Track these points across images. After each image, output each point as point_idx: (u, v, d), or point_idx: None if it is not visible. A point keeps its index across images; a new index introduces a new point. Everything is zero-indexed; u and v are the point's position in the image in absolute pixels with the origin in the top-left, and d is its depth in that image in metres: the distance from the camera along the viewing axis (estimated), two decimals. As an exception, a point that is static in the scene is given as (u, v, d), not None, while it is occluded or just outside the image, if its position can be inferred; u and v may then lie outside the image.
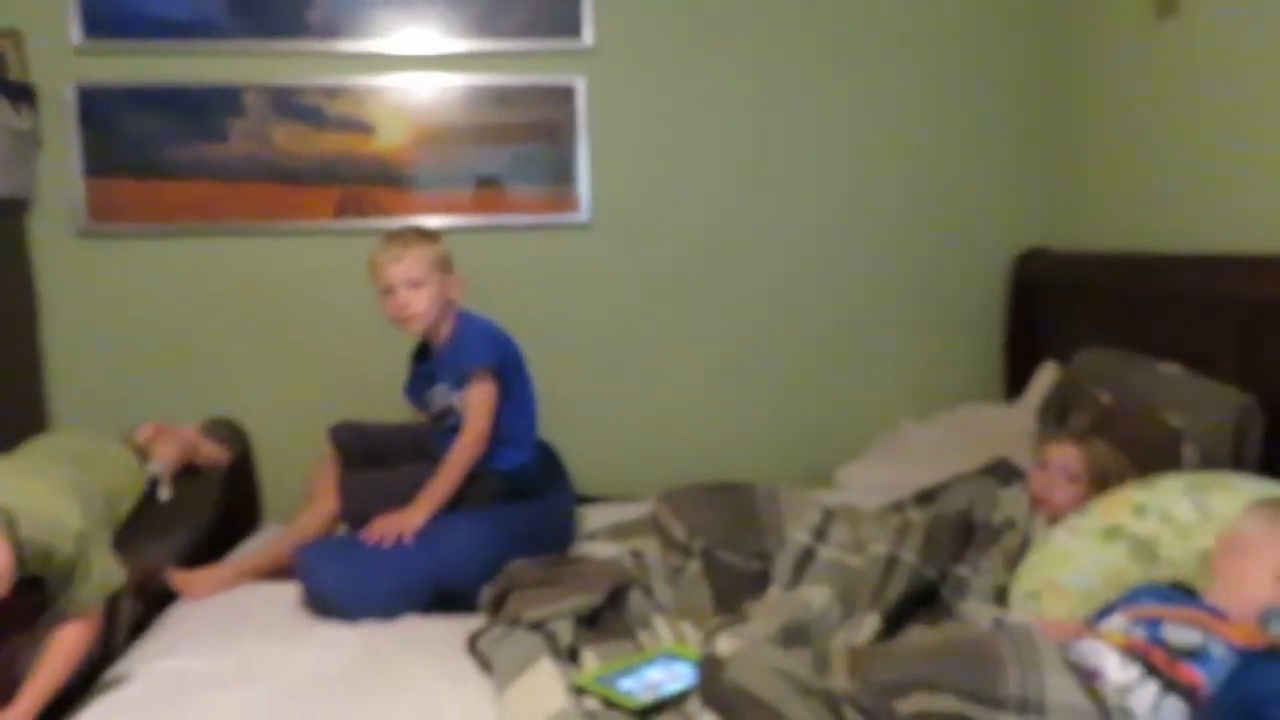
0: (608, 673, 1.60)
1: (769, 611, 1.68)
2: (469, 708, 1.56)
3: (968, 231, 2.98)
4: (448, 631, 1.86)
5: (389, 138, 2.79)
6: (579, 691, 1.55)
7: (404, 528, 2.05)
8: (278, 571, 2.13)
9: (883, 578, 1.87)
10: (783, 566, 1.94)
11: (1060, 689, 1.30)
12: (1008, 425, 2.63)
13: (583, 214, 2.87)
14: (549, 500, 2.28)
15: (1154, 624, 1.40)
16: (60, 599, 1.57)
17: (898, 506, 2.23)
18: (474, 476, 2.16)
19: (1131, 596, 1.52)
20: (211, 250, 2.77)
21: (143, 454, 2.05)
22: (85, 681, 1.66)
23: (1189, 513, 1.67)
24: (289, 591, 2.03)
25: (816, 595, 1.78)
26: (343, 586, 1.94)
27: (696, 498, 2.17)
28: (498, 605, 1.90)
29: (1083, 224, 2.86)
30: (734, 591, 1.92)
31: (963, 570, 1.94)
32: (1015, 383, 2.92)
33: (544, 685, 1.54)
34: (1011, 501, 2.08)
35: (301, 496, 2.35)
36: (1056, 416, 2.39)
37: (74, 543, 1.56)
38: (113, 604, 1.73)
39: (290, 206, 2.78)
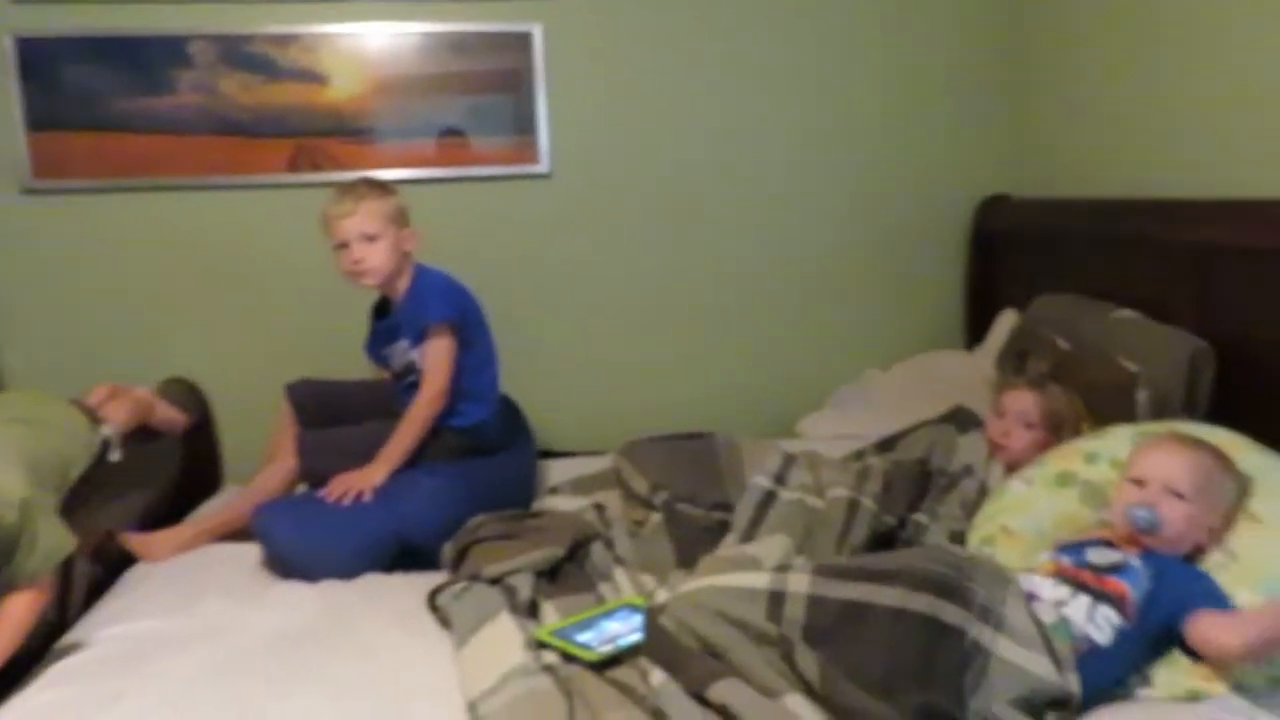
0: (566, 626, 1.60)
1: (717, 566, 1.69)
2: (429, 663, 1.56)
3: (929, 181, 2.97)
4: (409, 588, 1.86)
5: (344, 88, 2.72)
6: (538, 645, 1.55)
7: (364, 485, 2.04)
8: (238, 532, 2.12)
9: (845, 522, 1.89)
10: (742, 512, 1.94)
11: (1017, 613, 1.39)
12: (968, 373, 2.65)
13: (543, 165, 2.82)
14: (510, 455, 2.28)
15: (1078, 551, 1.53)
16: (6, 569, 1.54)
17: (859, 455, 2.25)
18: (434, 433, 2.15)
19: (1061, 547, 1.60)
20: (163, 206, 2.70)
21: (95, 417, 2.02)
22: (42, 647, 1.65)
23: (1137, 457, 1.70)
24: (249, 552, 2.02)
25: (774, 547, 1.79)
26: (302, 545, 1.93)
27: (657, 450, 2.17)
28: (459, 561, 1.91)
29: (1042, 171, 2.86)
30: (695, 544, 1.92)
31: (921, 518, 1.97)
32: (976, 331, 2.94)
33: (502, 639, 1.55)
34: (969, 448, 2.11)
35: (262, 457, 2.33)
36: (1015, 363, 2.40)
37: (18, 511, 1.53)
38: (67, 568, 1.71)
39: (243, 160, 2.71)
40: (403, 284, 2.21)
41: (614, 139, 2.86)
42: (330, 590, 1.88)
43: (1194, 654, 1.41)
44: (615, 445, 2.33)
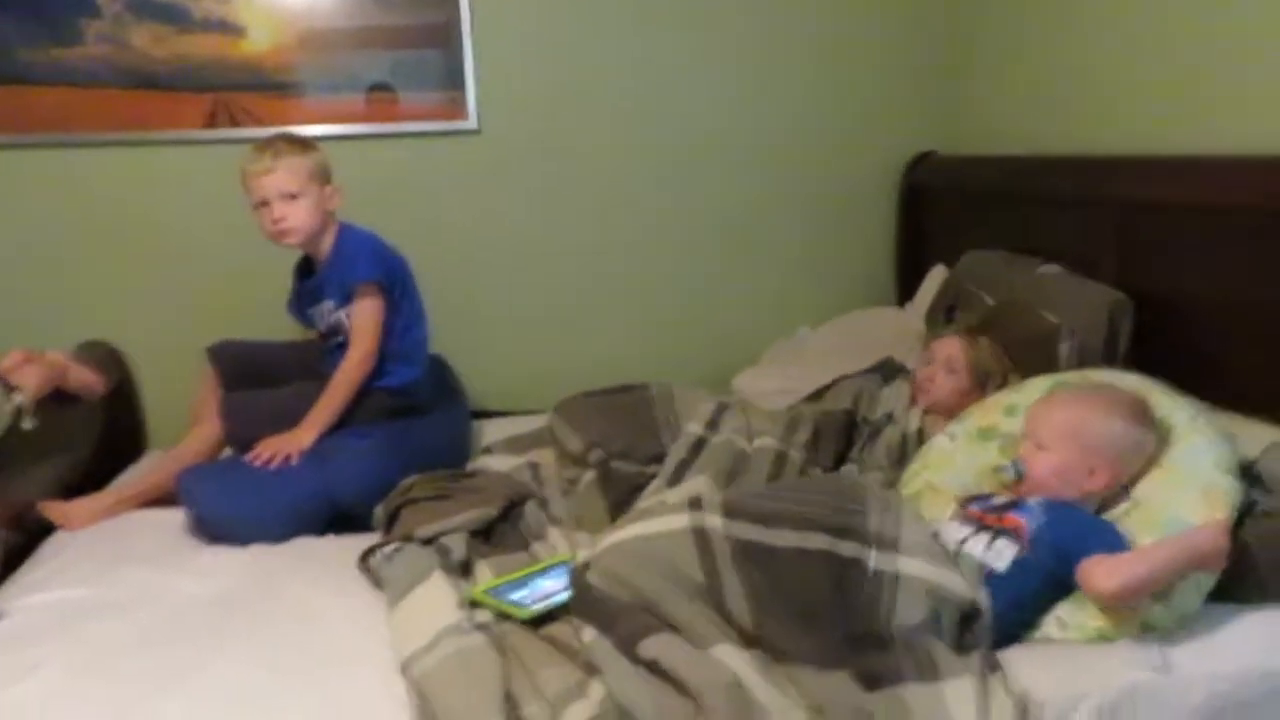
0: (500, 585, 1.60)
1: (637, 516, 1.71)
2: (362, 625, 1.55)
3: (858, 137, 2.98)
4: (340, 551, 1.83)
5: (262, 40, 2.63)
6: (471, 604, 1.55)
7: (292, 448, 2.00)
8: (162, 499, 2.07)
9: (772, 471, 1.92)
10: (672, 458, 1.96)
11: (913, 531, 1.48)
12: (899, 328, 2.69)
13: (472, 121, 2.77)
14: (442, 416, 2.26)
15: (984, 500, 1.63)
16: None
17: (790, 410, 2.27)
18: (363, 394, 2.12)
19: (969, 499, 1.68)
20: (75, 163, 2.59)
21: (6, 383, 1.94)
22: (-43, 619, 1.60)
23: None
24: (174, 518, 1.97)
25: (695, 488, 1.80)
26: (229, 510, 1.89)
27: (591, 407, 2.16)
28: (391, 523, 1.89)
29: (970, 128, 2.89)
30: (628, 500, 1.92)
31: (850, 469, 2.00)
32: (908, 287, 2.97)
33: (435, 599, 1.54)
34: (892, 397, 2.15)
35: (186, 421, 2.27)
36: (944, 318, 2.45)
37: None
38: (-19, 539, 1.65)
39: (158, 115, 2.61)
40: (327, 243, 2.15)
41: (543, 93, 2.81)
42: (260, 554, 1.84)
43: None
44: (549, 404, 2.31)
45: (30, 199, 2.59)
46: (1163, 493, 1.53)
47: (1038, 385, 1.81)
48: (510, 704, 1.30)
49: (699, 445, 1.98)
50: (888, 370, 2.26)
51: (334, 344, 2.19)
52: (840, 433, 2.07)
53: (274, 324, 2.38)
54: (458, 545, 1.72)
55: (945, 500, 1.70)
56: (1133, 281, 2.06)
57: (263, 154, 2.06)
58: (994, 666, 1.36)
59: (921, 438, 2.01)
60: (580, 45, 2.81)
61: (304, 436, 2.03)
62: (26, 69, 2.52)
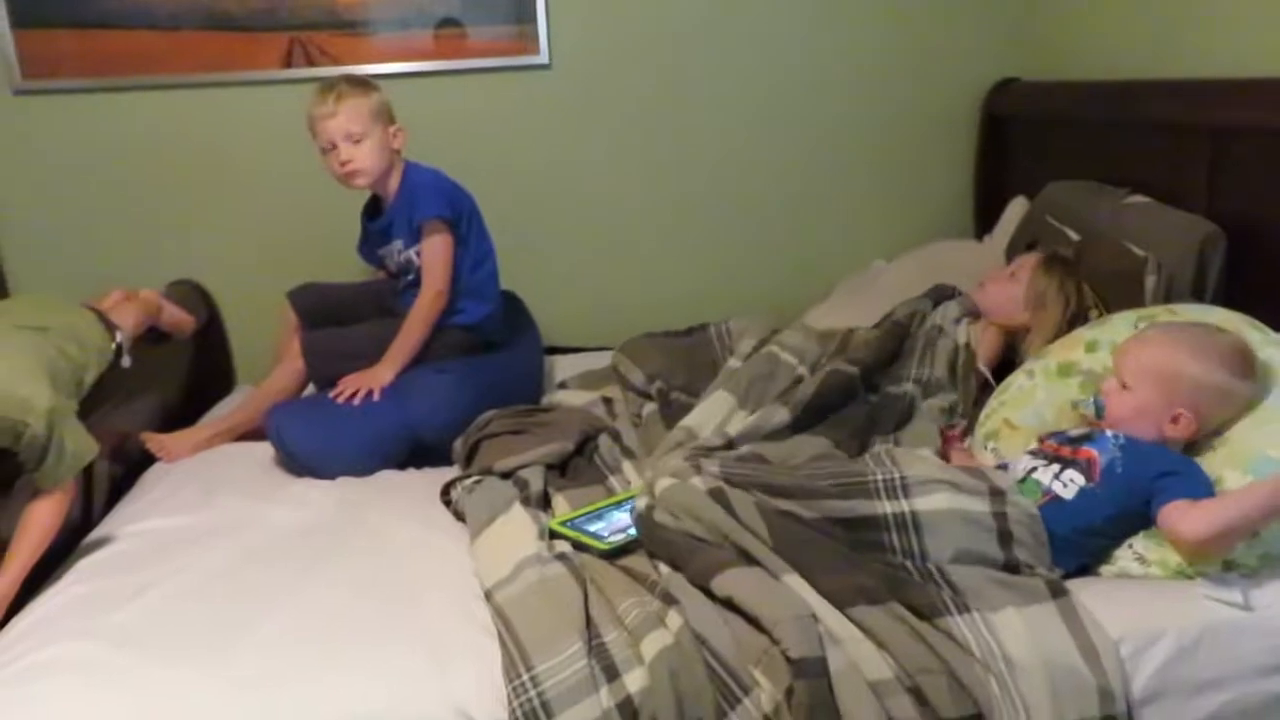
0: (577, 517, 1.64)
1: (664, 449, 1.79)
2: (444, 555, 1.60)
3: (936, 63, 2.88)
4: (422, 484, 1.90)
5: (333, -22, 2.64)
6: (551, 535, 1.59)
7: (372, 384, 2.06)
8: (252, 432, 2.15)
9: (794, 382, 2.00)
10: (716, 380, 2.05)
11: (911, 466, 1.53)
12: (976, 262, 2.62)
13: (542, 55, 2.75)
14: (516, 351, 2.30)
15: (1061, 435, 1.61)
16: (33, 475, 1.57)
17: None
18: (438, 330, 2.16)
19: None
20: (156, 105, 2.65)
21: (108, 322, 2.02)
22: (68, 544, 1.70)
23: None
24: (265, 451, 2.05)
25: (712, 411, 1.89)
26: (315, 446, 1.96)
27: (653, 346, 2.22)
28: (470, 457, 1.94)
29: (1053, 54, 2.77)
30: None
31: (909, 388, 1.99)
32: (986, 220, 2.90)
33: (516, 531, 1.59)
34: (941, 314, 2.16)
35: (271, 357, 2.35)
36: (1025, 251, 2.38)
37: (44, 421, 1.55)
38: (88, 470, 1.74)
39: (236, 56, 2.64)
40: (393, 183, 2.17)
41: (615, 28, 2.77)
42: (345, 486, 1.92)
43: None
44: (619, 340, 2.34)
45: (116, 142, 2.65)
46: (1251, 430, 1.49)
47: (1122, 320, 1.77)
48: (591, 630, 1.34)
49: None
50: (940, 294, 2.25)
51: (406, 283, 2.23)
52: (889, 340, 2.11)
53: (352, 262, 2.43)
54: (536, 478, 1.76)
55: (1023, 437, 1.68)
56: (1225, 212, 1.97)
57: (325, 97, 2.08)
58: (1058, 592, 1.36)
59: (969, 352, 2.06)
60: (652, -23, 2.76)
61: (383, 373, 2.08)
62: (108, 13, 2.57)
